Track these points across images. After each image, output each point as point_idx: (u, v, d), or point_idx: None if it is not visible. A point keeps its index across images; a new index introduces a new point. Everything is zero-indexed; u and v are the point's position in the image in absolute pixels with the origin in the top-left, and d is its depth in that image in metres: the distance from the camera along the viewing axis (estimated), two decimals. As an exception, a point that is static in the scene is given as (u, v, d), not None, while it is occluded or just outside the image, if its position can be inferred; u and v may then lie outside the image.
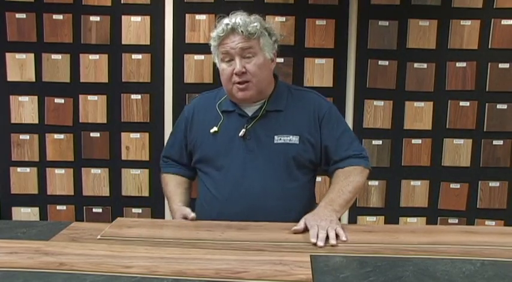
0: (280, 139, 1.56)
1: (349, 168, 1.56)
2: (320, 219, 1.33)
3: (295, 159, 1.57)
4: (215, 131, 1.59)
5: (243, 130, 1.56)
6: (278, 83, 1.64)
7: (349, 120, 2.65)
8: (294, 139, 1.56)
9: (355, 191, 1.52)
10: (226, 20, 1.52)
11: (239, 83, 1.52)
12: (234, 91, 1.55)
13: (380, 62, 2.65)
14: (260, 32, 1.52)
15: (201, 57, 2.66)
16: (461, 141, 2.69)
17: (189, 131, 1.67)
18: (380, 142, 2.68)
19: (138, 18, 2.65)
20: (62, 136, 2.71)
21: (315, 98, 1.65)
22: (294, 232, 1.33)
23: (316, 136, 1.59)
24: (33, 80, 2.68)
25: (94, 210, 2.77)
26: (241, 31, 1.49)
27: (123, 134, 2.72)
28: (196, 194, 1.70)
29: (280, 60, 2.55)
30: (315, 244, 1.24)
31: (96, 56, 2.67)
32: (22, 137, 2.71)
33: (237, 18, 1.51)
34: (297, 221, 1.40)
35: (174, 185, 1.71)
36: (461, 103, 2.66)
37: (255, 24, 1.51)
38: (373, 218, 2.77)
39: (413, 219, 2.75)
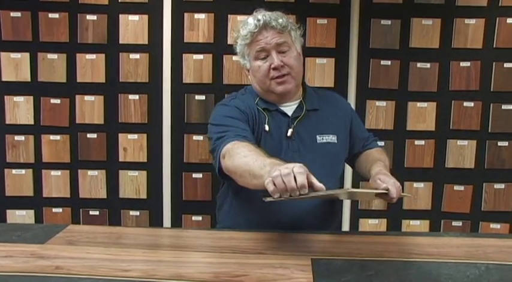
0: (322, 139, 1.56)
1: (378, 149, 1.71)
2: (392, 179, 1.36)
3: (336, 158, 1.59)
4: (268, 130, 1.54)
5: (290, 130, 1.54)
6: (305, 83, 1.66)
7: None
8: (333, 138, 1.58)
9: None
10: (252, 18, 1.50)
11: (278, 77, 1.50)
12: (272, 86, 1.52)
13: (382, 62, 2.62)
14: (290, 26, 1.52)
15: (200, 56, 2.63)
16: (465, 142, 2.66)
17: (249, 121, 1.53)
18: (382, 143, 2.62)
19: (135, 17, 2.61)
20: (58, 137, 2.67)
21: (339, 97, 1.74)
22: (384, 188, 1.31)
23: (346, 134, 1.64)
24: (29, 80, 2.63)
25: (91, 212, 2.73)
26: (274, 25, 1.47)
27: (120, 135, 2.68)
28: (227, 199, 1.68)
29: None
30: (391, 199, 1.30)
31: (93, 56, 2.63)
32: (17, 138, 2.66)
33: (265, 14, 1.50)
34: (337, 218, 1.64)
35: (252, 149, 1.32)
36: (466, 103, 2.63)
37: (283, 18, 1.51)
38: (376, 221, 2.73)
39: (416, 222, 2.71)
